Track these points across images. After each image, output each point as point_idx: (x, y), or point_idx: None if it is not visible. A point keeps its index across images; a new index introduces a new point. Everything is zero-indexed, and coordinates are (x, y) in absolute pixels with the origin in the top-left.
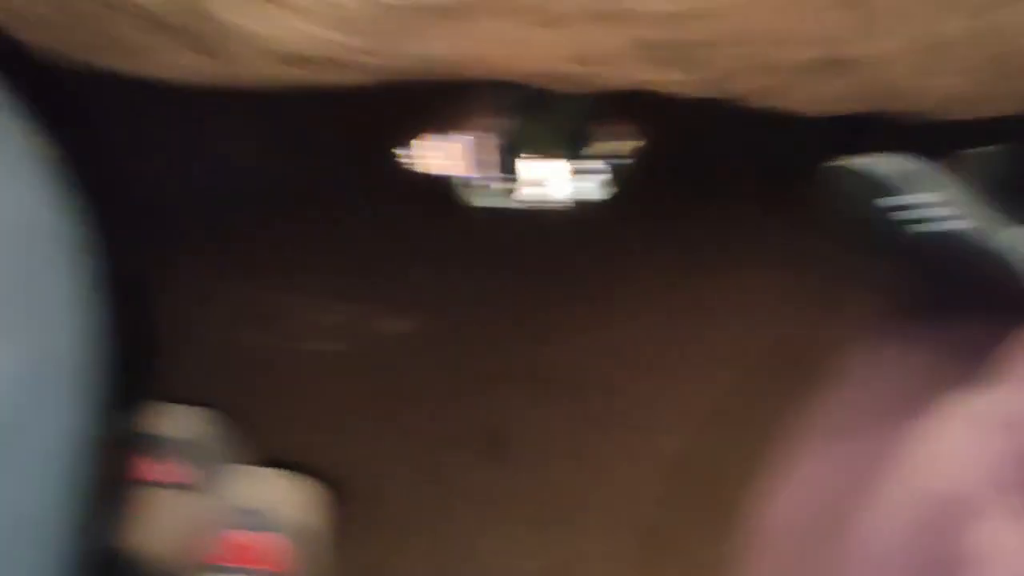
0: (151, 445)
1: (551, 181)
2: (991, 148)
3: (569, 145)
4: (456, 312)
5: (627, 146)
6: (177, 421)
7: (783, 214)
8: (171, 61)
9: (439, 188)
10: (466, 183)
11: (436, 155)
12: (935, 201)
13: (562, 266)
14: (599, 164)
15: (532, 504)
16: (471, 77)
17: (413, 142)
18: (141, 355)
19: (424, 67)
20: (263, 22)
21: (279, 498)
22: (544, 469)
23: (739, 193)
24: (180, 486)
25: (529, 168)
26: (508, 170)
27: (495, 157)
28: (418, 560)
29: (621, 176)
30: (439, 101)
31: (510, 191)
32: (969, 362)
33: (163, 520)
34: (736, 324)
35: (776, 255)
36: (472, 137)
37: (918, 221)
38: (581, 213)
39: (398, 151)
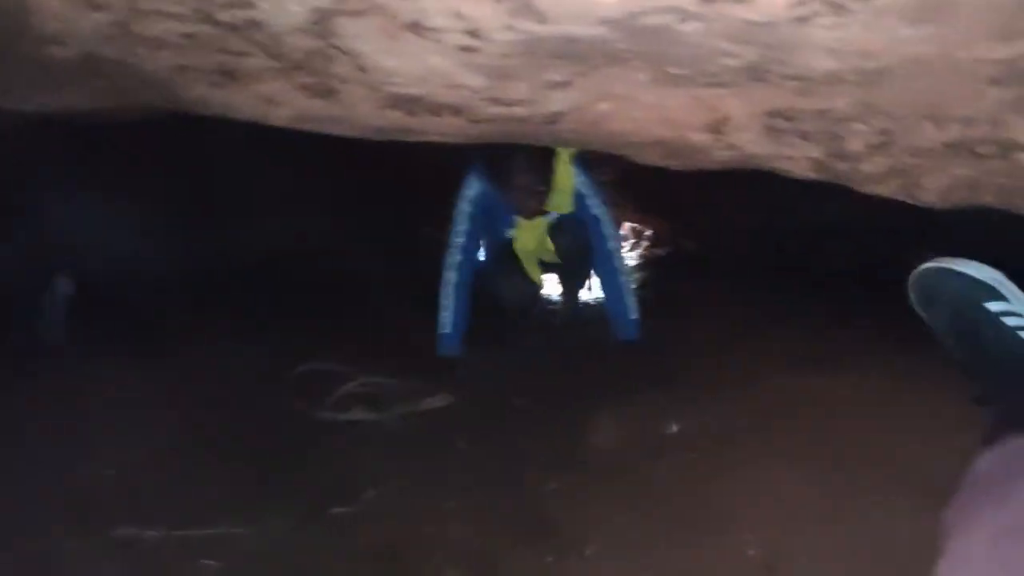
0: None
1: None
2: None
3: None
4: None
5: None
6: None
7: (876, 314)
8: (281, 101)
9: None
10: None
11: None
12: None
13: (615, 358)
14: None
15: None
16: (589, 144)
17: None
18: None
19: (546, 127)
20: (395, 55)
21: None
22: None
23: (838, 290)
24: None
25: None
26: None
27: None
28: None
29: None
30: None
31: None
32: None
33: None
34: (817, 422)
35: (868, 355)
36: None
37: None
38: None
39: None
